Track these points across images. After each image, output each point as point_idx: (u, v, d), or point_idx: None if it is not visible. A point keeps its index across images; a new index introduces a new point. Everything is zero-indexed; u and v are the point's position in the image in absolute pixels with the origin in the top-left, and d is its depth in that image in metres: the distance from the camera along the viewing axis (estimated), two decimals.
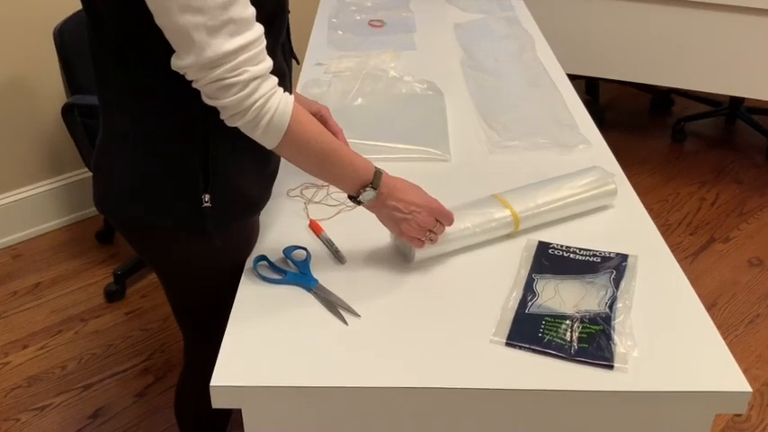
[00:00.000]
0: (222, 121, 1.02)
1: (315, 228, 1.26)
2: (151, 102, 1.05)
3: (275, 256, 1.18)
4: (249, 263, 1.17)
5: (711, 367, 0.98)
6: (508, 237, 1.23)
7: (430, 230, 1.12)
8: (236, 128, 1.02)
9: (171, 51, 0.96)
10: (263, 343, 1.01)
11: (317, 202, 1.34)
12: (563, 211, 1.25)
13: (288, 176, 1.41)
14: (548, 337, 1.01)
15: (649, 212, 2.86)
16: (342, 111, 1.63)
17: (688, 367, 0.97)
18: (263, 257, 1.17)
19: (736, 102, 3.48)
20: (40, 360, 2.09)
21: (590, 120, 1.68)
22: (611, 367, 0.97)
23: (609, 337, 1.00)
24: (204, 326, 1.28)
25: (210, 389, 0.95)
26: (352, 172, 1.09)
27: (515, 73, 1.88)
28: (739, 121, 3.57)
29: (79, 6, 2.18)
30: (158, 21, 0.93)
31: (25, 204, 2.59)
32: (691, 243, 2.68)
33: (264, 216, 1.29)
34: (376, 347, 1.00)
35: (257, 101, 0.98)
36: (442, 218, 1.14)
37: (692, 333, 1.04)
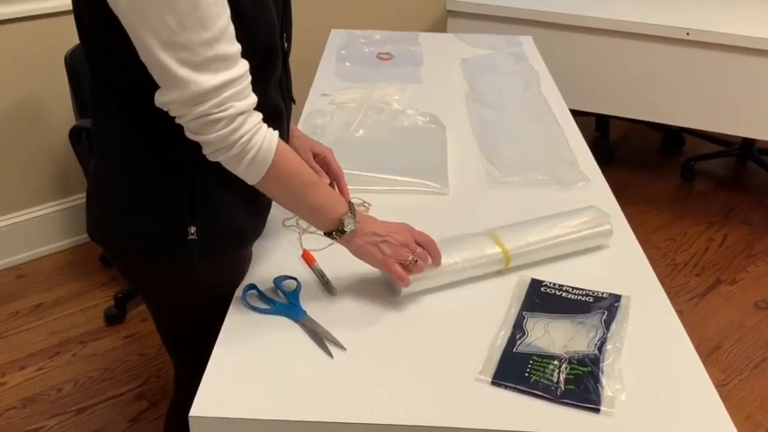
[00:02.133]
0: (216, 167, 1.02)
1: (308, 258, 1.25)
2: (139, 130, 1.06)
3: (266, 285, 1.18)
4: (239, 291, 1.16)
5: (701, 415, 0.96)
6: (499, 273, 1.21)
7: (413, 255, 1.11)
8: (224, 175, 1.03)
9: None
10: (246, 374, 1.00)
11: (311, 233, 1.34)
12: (555, 250, 1.24)
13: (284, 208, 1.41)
14: (534, 377, 0.99)
15: (656, 252, 2.85)
16: (343, 142, 1.63)
17: (677, 414, 0.95)
18: (252, 286, 1.16)
19: (748, 143, 3.46)
20: (37, 381, 2.09)
21: (591, 157, 1.67)
22: (597, 411, 0.95)
23: (597, 380, 0.99)
24: (192, 354, 1.27)
25: (189, 419, 0.94)
26: (329, 207, 1.09)
27: (518, 108, 1.88)
28: (750, 162, 3.55)
29: None
30: (142, 57, 0.94)
31: (31, 225, 2.60)
32: (697, 284, 2.65)
33: (258, 244, 1.29)
34: (360, 382, 0.99)
35: (243, 136, 0.98)
36: (419, 238, 1.13)
37: (683, 379, 1.02)
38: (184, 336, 1.27)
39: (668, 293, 2.57)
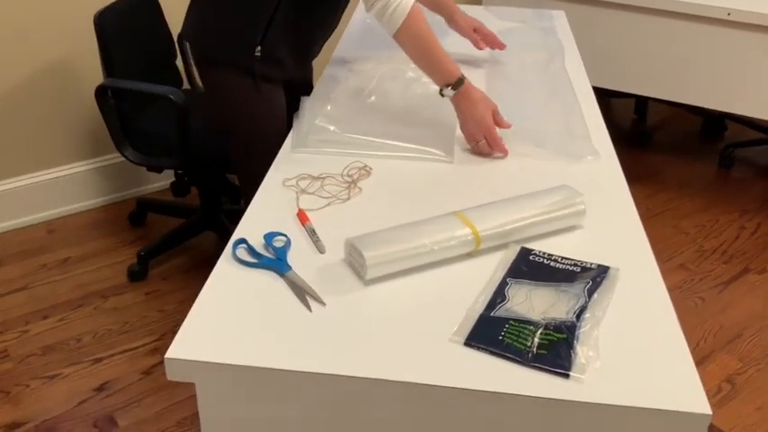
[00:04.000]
0: (294, 7, 1.54)
1: (302, 217, 1.27)
2: None
3: (257, 240, 1.20)
4: (229, 245, 1.19)
5: (673, 386, 0.94)
6: (470, 255, 1.18)
7: (486, 132, 1.47)
8: (297, 18, 1.56)
9: None
10: (224, 322, 1.03)
11: (310, 193, 1.35)
12: (527, 231, 1.21)
13: (288, 167, 1.43)
14: (508, 340, 0.99)
15: (684, 237, 2.79)
16: (355, 107, 1.64)
17: (649, 384, 0.94)
18: (243, 240, 1.19)
19: None
20: (58, 331, 2.17)
21: (606, 133, 1.64)
22: (567, 376, 0.94)
23: (570, 346, 0.98)
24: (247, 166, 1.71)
25: (165, 361, 0.97)
26: (440, 72, 1.48)
27: (538, 82, 1.86)
28: None
29: None
30: None
31: (64, 182, 2.69)
32: (723, 271, 2.58)
33: (256, 201, 1.31)
34: (335, 337, 1.01)
35: None
36: (498, 120, 1.50)
37: (662, 351, 1.00)
38: (238, 145, 1.70)
39: (692, 279, 2.50)
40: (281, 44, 1.60)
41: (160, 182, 2.90)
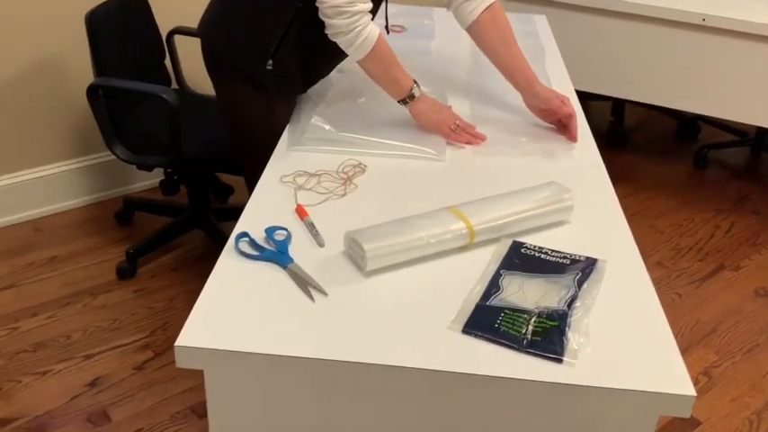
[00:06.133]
0: (307, 27, 1.54)
1: (300, 212, 1.31)
2: None
3: (258, 234, 1.24)
4: (232, 238, 1.22)
5: (659, 370, 1.00)
6: (463, 249, 1.23)
7: (455, 125, 1.57)
8: (311, 37, 1.55)
9: None
10: (230, 311, 1.06)
11: (307, 189, 1.39)
12: (518, 226, 1.26)
13: (284, 164, 1.47)
14: (504, 328, 1.04)
15: (660, 236, 2.88)
16: (345, 106, 1.68)
17: (636, 368, 1.00)
18: (245, 234, 1.22)
19: (763, 133, 3.45)
20: (47, 328, 2.18)
21: (589, 134, 1.70)
22: (560, 361, 1.00)
23: (563, 333, 1.03)
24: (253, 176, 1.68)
25: (175, 348, 1.00)
26: (403, 81, 1.56)
27: None
28: (764, 153, 3.54)
29: None
30: None
31: (50, 181, 2.69)
32: (699, 269, 2.67)
33: (255, 197, 1.35)
34: (338, 324, 1.05)
35: (356, 28, 1.46)
36: (470, 133, 1.59)
37: (648, 337, 1.06)
38: (246, 151, 1.75)
39: (669, 276, 2.59)
40: (292, 60, 1.61)
41: (146, 180, 2.91)
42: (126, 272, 2.41)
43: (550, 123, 1.69)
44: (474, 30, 1.73)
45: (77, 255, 2.52)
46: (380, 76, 1.56)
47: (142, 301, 2.32)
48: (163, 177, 2.41)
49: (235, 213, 2.64)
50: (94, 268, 2.46)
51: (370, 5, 1.48)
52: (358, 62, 1.54)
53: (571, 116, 1.64)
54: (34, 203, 2.69)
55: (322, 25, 1.51)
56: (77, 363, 2.06)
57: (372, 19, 1.52)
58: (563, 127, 1.66)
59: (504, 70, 1.72)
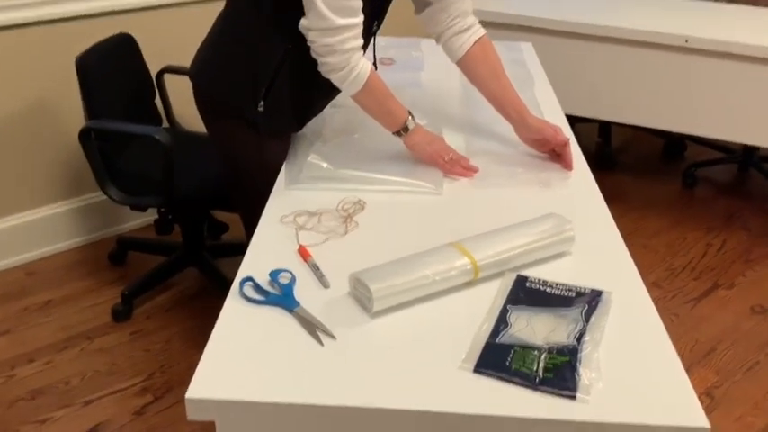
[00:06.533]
0: (297, 66, 1.54)
1: (303, 253, 1.31)
2: (263, 23, 1.52)
3: (262, 278, 1.23)
4: (236, 283, 1.22)
5: (672, 402, 1.00)
6: (468, 285, 1.23)
7: (448, 156, 1.58)
8: (302, 76, 1.56)
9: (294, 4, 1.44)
10: (239, 359, 1.05)
11: (308, 229, 1.39)
12: (521, 259, 1.26)
13: (284, 204, 1.47)
14: (515, 365, 1.04)
15: (654, 255, 2.89)
16: (340, 142, 1.69)
17: (650, 401, 1.00)
18: (249, 278, 1.22)
19: (749, 150, 3.49)
20: (45, 374, 2.15)
21: (582, 159, 1.72)
22: (573, 397, 0.99)
23: (574, 369, 1.03)
24: (247, 208, 1.74)
25: (186, 401, 0.99)
26: (398, 113, 1.58)
27: None
28: (752, 170, 3.58)
29: (101, 38, 2.29)
30: None
31: (42, 223, 2.67)
32: (694, 288, 2.68)
33: (256, 239, 1.35)
34: (349, 369, 1.04)
35: (348, 65, 1.46)
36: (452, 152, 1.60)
37: (658, 369, 1.06)
38: (241, 189, 1.75)
39: (665, 297, 2.60)
40: (284, 101, 1.61)
41: (139, 219, 2.90)
42: (121, 314, 2.39)
43: (544, 153, 1.70)
44: (464, 63, 1.75)
45: (72, 298, 2.49)
46: (374, 110, 1.57)
47: (139, 343, 2.29)
48: (156, 217, 2.41)
49: (229, 250, 2.66)
50: (89, 311, 2.43)
51: (361, 42, 1.48)
52: (352, 97, 1.55)
53: (565, 145, 1.65)
54: (26, 247, 2.67)
55: (313, 64, 1.51)
56: (77, 409, 2.03)
57: (364, 53, 1.53)
58: (557, 156, 1.67)
59: (495, 103, 1.74)
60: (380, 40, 2.48)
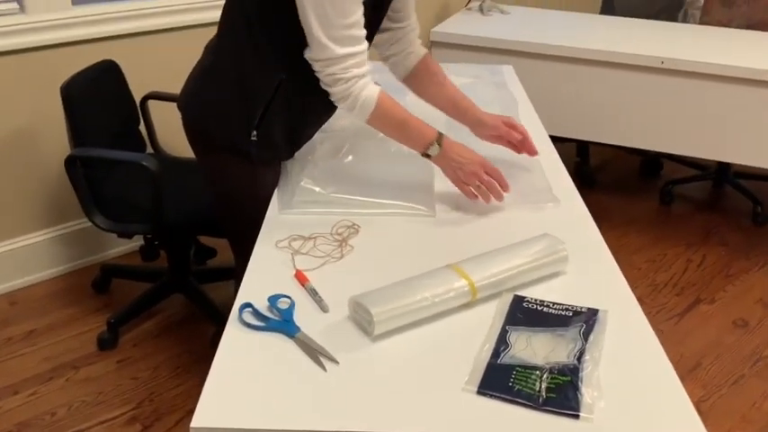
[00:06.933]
0: (291, 96, 1.55)
1: (300, 278, 1.31)
2: (257, 56, 1.52)
3: (261, 303, 1.23)
4: (235, 309, 1.22)
5: (673, 418, 1.02)
6: (466, 306, 1.24)
7: (480, 182, 1.53)
8: (295, 106, 1.57)
9: (292, 31, 1.44)
10: (243, 387, 1.05)
11: (303, 254, 1.40)
12: (518, 279, 1.28)
13: (278, 229, 1.48)
14: (518, 386, 1.05)
15: (637, 272, 2.93)
16: (332, 167, 1.70)
17: (650, 418, 1.01)
18: (248, 305, 1.22)
19: (724, 166, 3.57)
20: (31, 406, 2.12)
21: (569, 179, 1.75)
22: (576, 417, 1.01)
23: (576, 388, 1.05)
24: (240, 241, 1.71)
25: (191, 430, 0.98)
26: (420, 137, 1.55)
27: None
28: (727, 186, 3.65)
29: (85, 65, 2.29)
30: (304, 28, 1.42)
31: (24, 252, 2.64)
32: (677, 303, 2.72)
33: (253, 264, 1.35)
34: (352, 394, 1.04)
35: (353, 93, 1.46)
36: (489, 171, 1.54)
37: (658, 385, 1.08)
38: (231, 218, 1.73)
39: (649, 313, 2.64)
40: (276, 130, 1.60)
41: (123, 246, 2.87)
42: (107, 342, 2.36)
43: (505, 146, 1.77)
44: (410, 81, 1.83)
45: (56, 327, 2.46)
46: (392, 134, 1.57)
47: (126, 371, 2.27)
48: (142, 243, 2.39)
49: (215, 275, 2.64)
50: (74, 340, 2.40)
51: (366, 68, 1.47)
52: (367, 123, 1.54)
53: (524, 137, 1.73)
54: (8, 276, 2.63)
55: (306, 93, 1.53)
56: None
57: None
58: (517, 147, 1.76)
59: (447, 109, 1.81)
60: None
